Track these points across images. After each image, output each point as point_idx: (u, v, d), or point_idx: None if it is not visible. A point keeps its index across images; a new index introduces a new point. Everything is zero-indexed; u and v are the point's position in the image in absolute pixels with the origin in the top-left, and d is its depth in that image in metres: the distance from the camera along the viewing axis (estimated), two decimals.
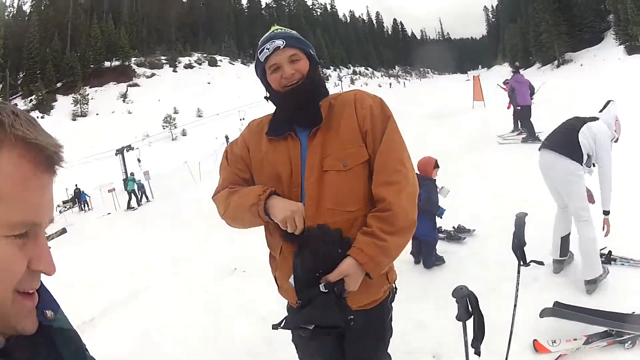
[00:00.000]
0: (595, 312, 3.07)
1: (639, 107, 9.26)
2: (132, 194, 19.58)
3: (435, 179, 4.50)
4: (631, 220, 4.21)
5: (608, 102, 3.78)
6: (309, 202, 1.49)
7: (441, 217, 4.47)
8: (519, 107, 10.04)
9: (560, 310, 3.12)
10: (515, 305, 2.52)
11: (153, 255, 7.66)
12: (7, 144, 0.53)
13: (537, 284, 3.63)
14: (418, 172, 4.37)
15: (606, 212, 3.49)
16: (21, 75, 77.79)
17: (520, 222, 2.41)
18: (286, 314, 1.55)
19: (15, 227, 0.55)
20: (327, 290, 1.35)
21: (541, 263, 2.52)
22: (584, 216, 3.46)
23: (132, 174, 21.48)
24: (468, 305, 1.83)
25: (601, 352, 2.84)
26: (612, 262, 3.78)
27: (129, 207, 19.47)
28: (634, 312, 2.98)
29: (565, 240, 3.80)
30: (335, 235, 1.43)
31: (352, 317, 1.35)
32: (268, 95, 1.66)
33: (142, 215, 15.93)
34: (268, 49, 1.57)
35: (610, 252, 3.82)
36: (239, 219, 1.63)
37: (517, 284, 2.51)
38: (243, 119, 31.56)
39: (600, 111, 3.73)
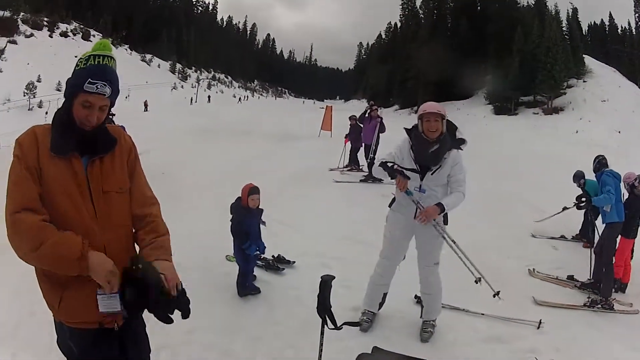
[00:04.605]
0: (415, 359, 2.99)
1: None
2: None
3: (252, 208, 3.95)
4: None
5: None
6: (102, 218, 1.64)
7: (249, 254, 3.99)
8: (374, 146, 9.49)
9: (378, 356, 2.98)
10: None
11: None
12: None
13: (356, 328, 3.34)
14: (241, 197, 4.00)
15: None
16: None
17: (325, 286, 2.27)
18: None
19: None
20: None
21: (357, 324, 2.45)
22: (437, 259, 3.36)
23: None
24: None
25: None
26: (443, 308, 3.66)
27: None
28: None
29: (385, 296, 3.60)
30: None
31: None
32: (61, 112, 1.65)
33: None
34: (98, 87, 1.57)
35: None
36: (51, 265, 1.55)
37: (322, 340, 2.40)
38: None
39: None
